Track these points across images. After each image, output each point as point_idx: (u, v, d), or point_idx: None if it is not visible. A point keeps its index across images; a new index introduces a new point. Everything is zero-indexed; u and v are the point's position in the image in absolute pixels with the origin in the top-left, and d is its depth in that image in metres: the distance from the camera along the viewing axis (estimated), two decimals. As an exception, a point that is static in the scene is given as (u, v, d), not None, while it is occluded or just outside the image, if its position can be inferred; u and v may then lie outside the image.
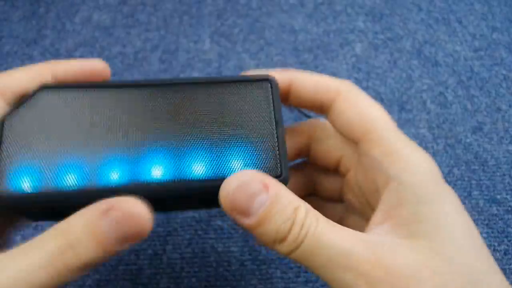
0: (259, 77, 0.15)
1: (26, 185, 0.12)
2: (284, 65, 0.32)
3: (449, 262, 0.12)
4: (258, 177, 0.12)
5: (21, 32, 0.34)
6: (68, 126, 0.13)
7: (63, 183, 0.13)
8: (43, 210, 0.13)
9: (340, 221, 0.16)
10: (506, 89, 0.31)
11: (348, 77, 0.32)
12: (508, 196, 0.27)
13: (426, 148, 0.28)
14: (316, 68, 0.32)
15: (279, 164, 0.14)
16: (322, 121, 0.17)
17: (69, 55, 0.33)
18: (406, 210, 0.13)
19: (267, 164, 0.14)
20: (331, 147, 0.17)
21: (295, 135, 0.17)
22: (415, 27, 0.34)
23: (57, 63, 0.15)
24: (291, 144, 0.17)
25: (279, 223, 0.12)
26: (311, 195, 0.19)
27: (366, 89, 0.31)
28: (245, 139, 0.14)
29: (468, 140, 0.29)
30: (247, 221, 0.12)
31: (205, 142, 0.14)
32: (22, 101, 0.13)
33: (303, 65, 0.32)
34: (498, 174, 0.27)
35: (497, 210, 0.26)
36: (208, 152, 0.13)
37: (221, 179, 0.13)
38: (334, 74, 0.32)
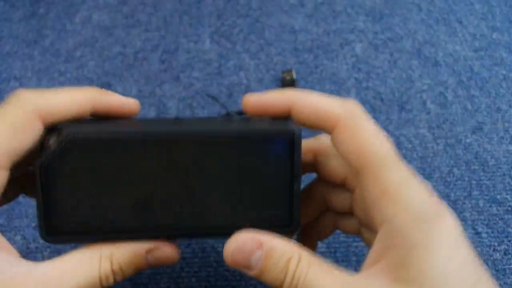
0: (280, 132, 0.15)
1: (69, 225, 0.15)
2: (284, 65, 0.32)
3: None
4: (252, 237, 0.14)
5: (21, 32, 0.34)
6: (96, 175, 0.15)
7: (100, 227, 0.15)
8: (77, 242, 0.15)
9: (359, 233, 0.17)
10: (506, 89, 0.31)
11: (348, 77, 0.32)
12: (508, 196, 0.27)
13: (426, 148, 0.28)
14: (316, 68, 0.32)
15: (291, 218, 0.15)
16: (328, 139, 0.17)
17: (69, 55, 0.33)
18: (396, 253, 0.13)
19: (279, 219, 0.15)
20: (335, 167, 0.17)
21: (302, 151, 0.17)
22: (415, 27, 0.34)
23: (100, 95, 0.16)
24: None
25: (276, 273, 0.14)
26: (327, 209, 0.19)
27: (366, 89, 0.31)
28: (261, 195, 0.15)
29: (468, 140, 0.29)
30: (251, 273, 0.14)
31: (223, 197, 0.15)
32: (54, 148, 0.14)
33: (303, 65, 0.32)
34: (498, 174, 0.28)
35: (497, 210, 0.26)
36: (225, 207, 0.15)
37: (235, 229, 0.14)
38: (334, 74, 0.32)
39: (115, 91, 0.31)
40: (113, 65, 0.32)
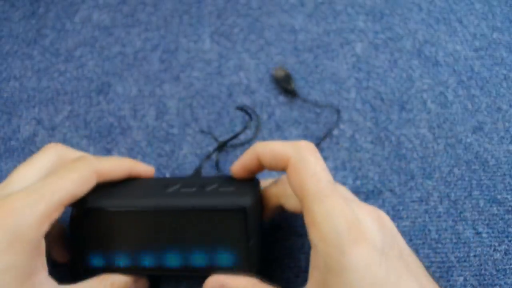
0: (236, 206, 0.20)
1: (95, 263, 0.21)
2: (284, 65, 0.32)
3: None
4: (216, 280, 0.20)
5: (21, 32, 0.34)
6: (111, 233, 0.21)
7: (116, 264, 0.21)
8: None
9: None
10: (506, 89, 0.31)
11: (348, 77, 0.32)
12: (508, 196, 0.27)
13: (426, 148, 0.28)
14: (316, 67, 0.32)
15: (249, 264, 0.20)
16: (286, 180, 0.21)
17: (69, 54, 0.33)
18: (319, 275, 0.17)
19: (241, 265, 0.20)
20: (293, 203, 0.21)
21: (268, 197, 0.22)
22: (416, 26, 0.34)
23: (134, 165, 0.23)
24: (269, 204, 0.22)
25: None
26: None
27: (366, 89, 0.31)
28: (227, 248, 0.20)
29: (468, 140, 0.29)
30: None
31: (201, 248, 0.20)
32: (77, 213, 0.21)
33: (303, 65, 0.32)
34: (498, 174, 0.27)
35: (498, 210, 0.26)
36: (203, 254, 0.20)
37: (212, 268, 0.20)
38: (334, 73, 0.32)
39: (115, 90, 0.31)
40: (113, 65, 0.32)
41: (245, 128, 0.28)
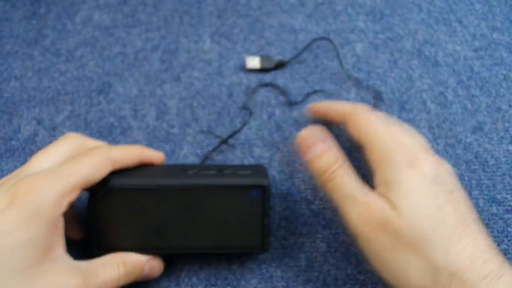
0: (256, 184, 0.21)
1: (112, 243, 0.22)
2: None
3: (403, 213, 0.18)
4: (319, 133, 0.23)
5: (21, 32, 0.34)
6: (127, 210, 0.21)
7: (130, 245, 0.21)
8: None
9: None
10: (506, 89, 0.31)
11: (349, 77, 0.32)
12: (508, 196, 0.27)
13: (426, 148, 0.29)
14: (316, 67, 0.32)
15: (262, 242, 0.22)
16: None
17: (70, 54, 0.33)
18: (381, 192, 0.20)
19: (255, 244, 0.22)
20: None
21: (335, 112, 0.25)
22: (416, 27, 0.34)
23: (144, 151, 0.23)
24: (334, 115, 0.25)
25: (321, 166, 0.21)
26: None
27: (366, 89, 0.31)
28: (244, 225, 0.22)
29: (468, 140, 0.29)
30: (305, 157, 0.22)
31: (218, 226, 0.22)
32: (101, 192, 0.21)
33: (303, 65, 0.32)
34: (498, 173, 0.28)
35: (497, 209, 0.26)
36: (221, 233, 0.22)
37: (228, 248, 0.22)
38: (334, 74, 0.32)
39: (116, 90, 0.31)
40: (113, 65, 0.33)
41: (245, 124, 0.28)
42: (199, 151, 0.29)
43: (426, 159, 0.20)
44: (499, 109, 0.30)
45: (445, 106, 0.30)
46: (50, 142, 0.29)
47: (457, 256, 0.17)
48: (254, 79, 0.32)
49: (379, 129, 0.21)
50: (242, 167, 0.24)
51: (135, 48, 0.33)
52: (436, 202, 0.18)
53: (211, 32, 0.34)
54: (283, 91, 0.31)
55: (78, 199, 0.20)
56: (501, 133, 0.29)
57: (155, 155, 0.24)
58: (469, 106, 0.30)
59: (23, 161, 0.28)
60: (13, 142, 0.29)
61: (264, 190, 0.21)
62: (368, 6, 0.35)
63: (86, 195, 0.22)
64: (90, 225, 0.22)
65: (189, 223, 0.21)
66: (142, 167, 0.23)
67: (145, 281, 0.23)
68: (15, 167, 0.28)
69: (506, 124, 0.29)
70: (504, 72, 0.32)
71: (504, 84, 0.31)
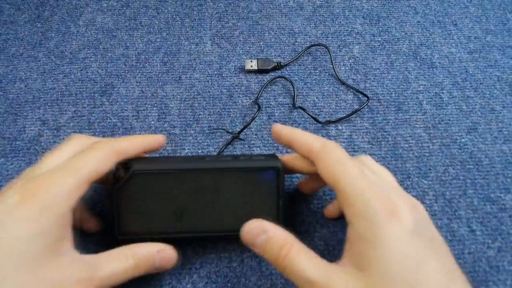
0: (271, 166, 0.22)
1: (134, 228, 0.22)
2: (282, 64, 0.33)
3: (382, 277, 0.17)
4: (259, 225, 0.20)
5: (26, 35, 0.35)
6: (154, 195, 0.22)
7: (151, 229, 0.22)
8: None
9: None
10: (500, 90, 0.32)
11: (346, 79, 0.32)
12: (501, 195, 0.27)
13: (422, 148, 0.29)
14: (315, 69, 0.33)
15: (279, 218, 0.22)
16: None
17: (73, 57, 0.34)
18: (356, 247, 0.18)
19: (272, 219, 0.21)
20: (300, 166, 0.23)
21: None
22: (412, 29, 0.34)
23: (146, 139, 0.23)
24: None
25: (272, 254, 0.19)
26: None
27: (364, 90, 0.32)
28: (260, 207, 0.22)
29: (463, 140, 0.29)
30: (256, 251, 0.20)
31: (235, 208, 0.22)
32: (124, 177, 0.22)
33: (302, 67, 0.33)
34: (492, 173, 0.28)
35: (491, 208, 0.27)
36: (234, 216, 0.22)
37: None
38: (332, 75, 0.32)
39: (118, 92, 0.32)
40: (116, 67, 0.33)
41: (253, 118, 0.29)
42: (200, 151, 0.29)
43: (404, 206, 0.18)
44: (493, 110, 0.31)
45: (440, 107, 0.31)
46: (54, 142, 0.29)
47: None
48: (254, 80, 0.32)
49: (352, 174, 0.19)
50: (255, 155, 0.25)
51: (137, 50, 0.34)
52: (417, 258, 0.17)
53: (212, 34, 0.35)
54: (291, 85, 0.32)
55: (94, 194, 0.20)
56: (495, 134, 0.30)
57: (155, 139, 0.24)
58: (464, 107, 0.31)
59: (28, 161, 0.29)
60: (18, 142, 0.30)
61: (278, 172, 0.22)
62: (365, 10, 0.36)
63: (96, 193, 0.23)
64: (114, 211, 0.22)
65: (207, 206, 0.22)
66: (162, 157, 0.24)
67: (157, 274, 0.24)
68: (20, 167, 0.28)
69: (500, 125, 0.30)
70: (498, 73, 0.32)
71: (497, 86, 0.32)
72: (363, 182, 0.19)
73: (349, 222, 0.19)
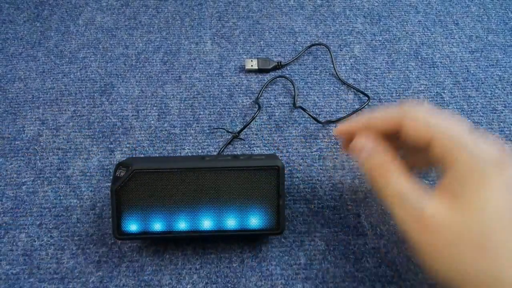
0: (271, 165, 0.22)
1: (133, 228, 0.22)
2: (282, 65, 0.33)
3: (468, 219, 0.17)
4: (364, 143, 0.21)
5: (25, 34, 0.35)
6: (153, 194, 0.22)
7: (153, 228, 0.22)
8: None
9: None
10: (501, 90, 0.31)
11: (347, 79, 0.32)
12: (503, 195, 0.27)
13: (423, 148, 0.29)
14: (315, 69, 0.33)
15: (278, 224, 0.23)
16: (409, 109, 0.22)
17: (73, 56, 0.34)
18: (454, 186, 0.18)
19: (271, 224, 0.23)
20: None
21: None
22: (413, 29, 0.34)
23: None
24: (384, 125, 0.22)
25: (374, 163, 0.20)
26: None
27: (365, 90, 0.32)
28: (259, 206, 0.22)
29: (464, 140, 0.29)
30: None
31: (234, 208, 0.22)
32: (124, 176, 0.22)
33: (303, 66, 0.33)
34: (493, 173, 0.28)
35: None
36: (237, 215, 0.22)
37: (244, 230, 0.22)
38: (333, 75, 0.32)
39: (118, 91, 0.32)
40: (115, 66, 0.33)
41: (254, 118, 0.29)
42: (200, 151, 0.29)
43: (510, 157, 0.18)
44: (494, 109, 0.31)
45: (441, 106, 0.31)
46: (54, 142, 0.29)
47: None
48: (254, 80, 0.32)
49: (449, 121, 0.19)
50: (255, 154, 0.25)
51: (137, 49, 0.34)
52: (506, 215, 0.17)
53: (212, 34, 0.34)
54: (292, 85, 0.31)
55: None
56: (496, 133, 0.30)
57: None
58: (465, 106, 0.31)
59: (27, 161, 0.28)
60: (17, 142, 0.30)
61: (278, 171, 0.22)
62: (366, 9, 0.36)
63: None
64: (112, 210, 0.22)
65: (208, 205, 0.22)
66: (162, 156, 0.24)
67: (157, 273, 0.24)
68: (19, 167, 0.28)
69: (502, 124, 0.30)
70: (499, 73, 0.32)
71: (499, 85, 0.32)
72: (465, 128, 0.19)
73: (449, 167, 0.18)
